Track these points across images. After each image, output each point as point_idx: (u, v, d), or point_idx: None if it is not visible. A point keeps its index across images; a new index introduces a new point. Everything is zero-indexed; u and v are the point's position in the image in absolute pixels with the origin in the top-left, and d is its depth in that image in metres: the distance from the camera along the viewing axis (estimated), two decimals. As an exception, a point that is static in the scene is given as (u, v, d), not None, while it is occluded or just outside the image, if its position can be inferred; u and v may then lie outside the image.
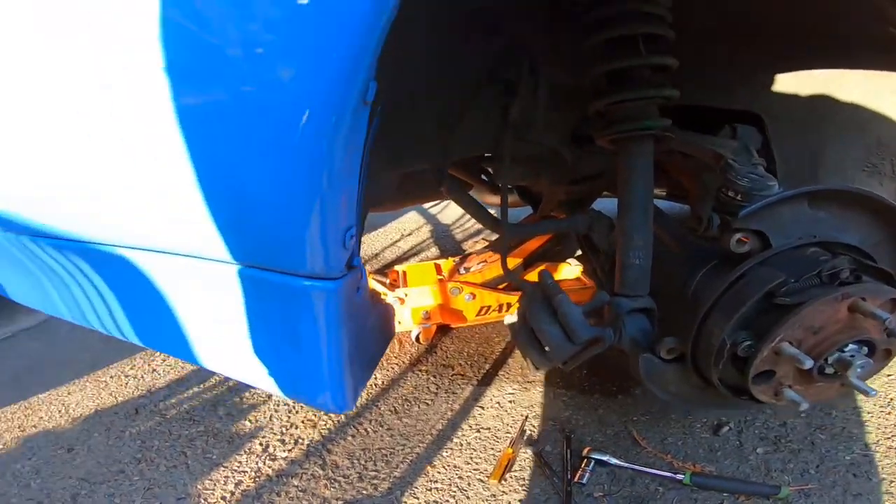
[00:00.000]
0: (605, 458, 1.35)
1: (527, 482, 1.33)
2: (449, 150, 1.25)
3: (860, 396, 1.44)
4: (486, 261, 2.09)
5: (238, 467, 1.49)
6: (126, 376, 2.04)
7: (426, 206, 4.04)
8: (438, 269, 2.11)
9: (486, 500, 1.29)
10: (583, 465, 1.34)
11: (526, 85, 1.14)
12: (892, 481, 1.17)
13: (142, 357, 2.13)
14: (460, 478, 1.37)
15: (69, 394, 1.94)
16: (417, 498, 1.32)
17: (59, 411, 1.82)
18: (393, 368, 1.92)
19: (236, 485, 1.42)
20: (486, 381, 1.79)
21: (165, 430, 1.68)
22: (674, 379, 1.11)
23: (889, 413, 1.38)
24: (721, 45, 1.12)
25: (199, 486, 1.43)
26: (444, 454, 1.46)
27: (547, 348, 1.04)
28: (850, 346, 0.97)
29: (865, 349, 0.99)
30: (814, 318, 0.94)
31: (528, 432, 1.51)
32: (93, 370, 2.10)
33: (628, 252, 1.03)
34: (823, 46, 1.07)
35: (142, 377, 2.04)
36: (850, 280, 0.96)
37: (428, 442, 1.52)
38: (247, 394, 1.83)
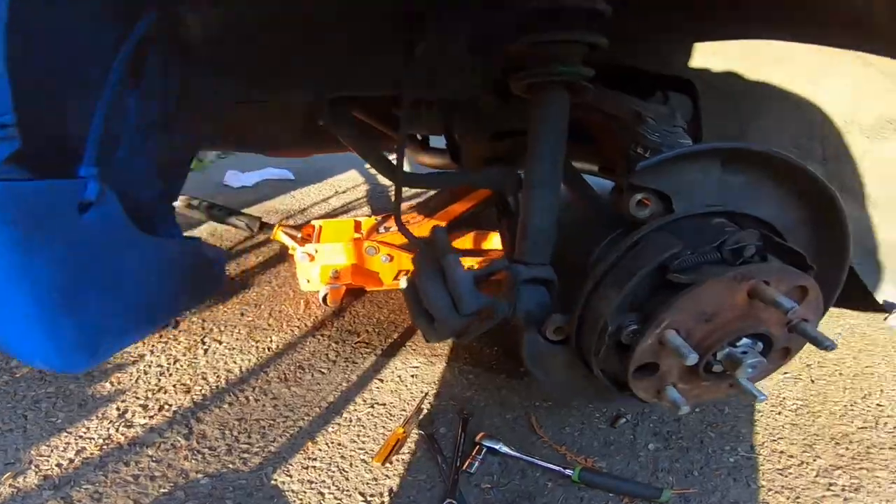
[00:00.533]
0: (497, 446, 1.26)
1: (413, 466, 1.22)
2: (337, 84, 1.05)
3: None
4: (409, 221, 1.93)
5: (84, 433, 1.29)
6: None
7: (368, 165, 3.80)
8: (357, 226, 1.93)
9: (366, 482, 1.17)
10: (474, 452, 1.25)
11: (439, 20, 0.96)
12: (770, 489, 1.15)
13: None
14: (342, 457, 1.24)
15: None
16: (290, 476, 1.19)
17: None
18: (292, 331, 1.75)
19: (77, 452, 1.22)
20: (391, 351, 1.66)
21: (11, 390, 1.44)
22: (559, 364, 0.97)
23: (779, 413, 1.37)
24: (658, 10, 0.99)
25: (32, 452, 1.22)
26: (330, 429, 1.33)
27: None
28: (744, 341, 0.82)
29: (760, 345, 0.84)
30: (706, 302, 0.78)
31: (425, 410, 1.40)
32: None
33: (531, 212, 0.89)
34: (765, 16, 0.96)
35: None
36: (755, 259, 0.81)
37: (314, 415, 1.37)
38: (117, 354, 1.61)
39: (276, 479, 1.17)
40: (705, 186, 0.84)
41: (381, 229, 1.91)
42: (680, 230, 0.84)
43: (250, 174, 3.73)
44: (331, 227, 1.92)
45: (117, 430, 1.30)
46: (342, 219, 2.19)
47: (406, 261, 1.79)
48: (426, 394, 1.46)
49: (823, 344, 0.79)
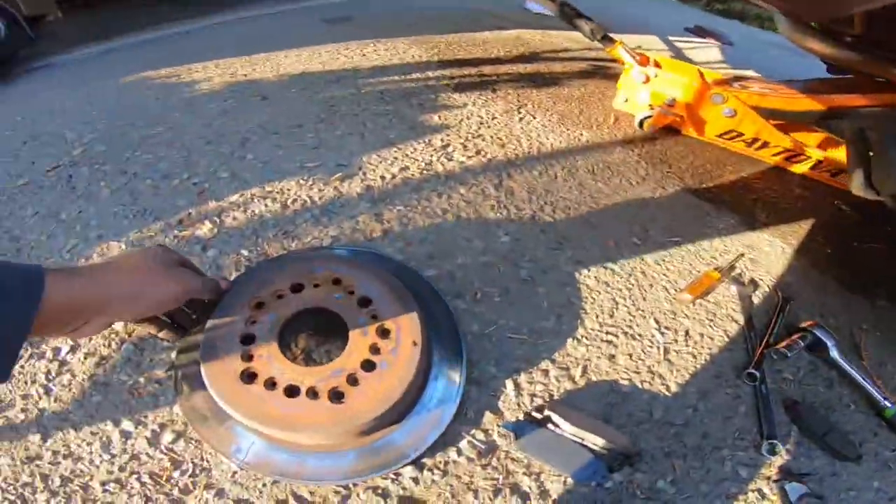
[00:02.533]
0: (829, 342, 1.00)
1: (717, 319, 1.05)
2: None
3: None
4: (773, 88, 1.54)
5: (410, 153, 1.40)
6: (339, 53, 2.01)
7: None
8: (701, 74, 1.61)
9: (664, 312, 1.05)
10: (795, 336, 1.01)
11: None
12: None
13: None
14: (643, 274, 1.14)
15: (285, 56, 1.95)
16: (588, 270, 1.13)
17: (271, 68, 1.86)
18: (602, 135, 1.60)
19: (402, 169, 1.34)
20: (705, 195, 1.41)
21: (356, 100, 1.63)
22: None
23: None
24: None
25: (364, 158, 1.37)
26: (634, 240, 1.21)
27: None
28: None
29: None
30: None
31: (739, 271, 1.18)
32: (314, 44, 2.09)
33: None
34: None
35: (352, 56, 1.99)
36: None
37: (619, 218, 1.27)
38: (443, 95, 1.68)
39: (573, 268, 1.12)
40: None
41: (736, 84, 1.58)
42: None
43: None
44: (671, 63, 1.67)
45: (438, 159, 1.39)
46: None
47: (749, 123, 1.54)
48: (742, 254, 1.22)
49: None
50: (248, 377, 0.74)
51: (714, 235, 1.27)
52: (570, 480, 0.79)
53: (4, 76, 1.84)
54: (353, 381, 0.75)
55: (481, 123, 1.54)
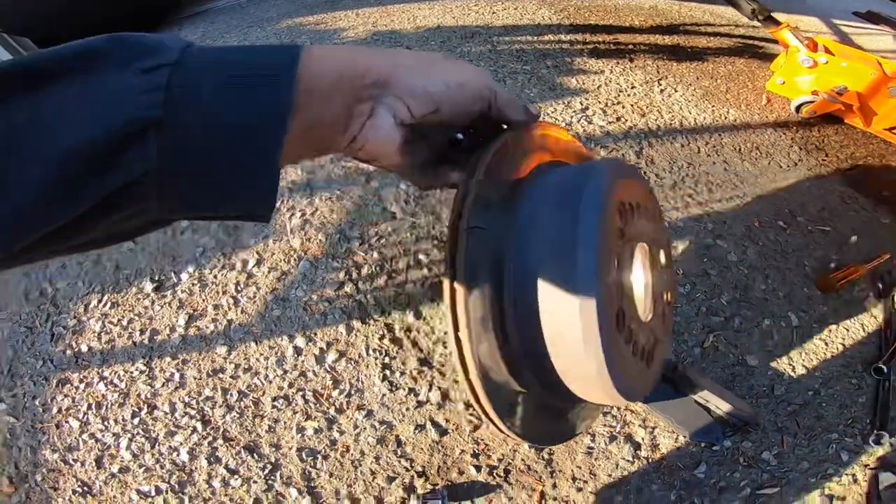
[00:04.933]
0: None
1: (853, 312, 1.01)
2: None
3: None
4: None
5: (551, 113, 1.41)
6: (469, 9, 2.02)
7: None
8: (880, 65, 1.46)
9: (801, 299, 1.01)
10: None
11: None
12: None
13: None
14: (782, 255, 1.09)
15: (419, 9, 2.00)
16: (732, 236, 1.09)
17: (408, 19, 1.91)
18: (751, 115, 1.51)
19: None
20: (859, 189, 1.30)
21: (493, 58, 1.65)
22: None
23: None
24: None
25: None
26: (779, 222, 1.16)
27: None
28: None
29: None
30: None
31: (885, 270, 1.09)
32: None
33: None
34: None
35: (483, 13, 2.00)
36: None
37: (764, 199, 1.21)
38: (578, 59, 1.66)
39: (712, 240, 1.09)
40: None
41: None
42: None
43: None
44: (845, 50, 1.55)
45: (578, 121, 1.38)
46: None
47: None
48: (889, 256, 1.13)
49: None
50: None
51: (865, 232, 1.17)
52: (681, 438, 0.82)
53: (168, 23, 2.06)
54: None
55: (620, 91, 1.50)
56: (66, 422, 0.81)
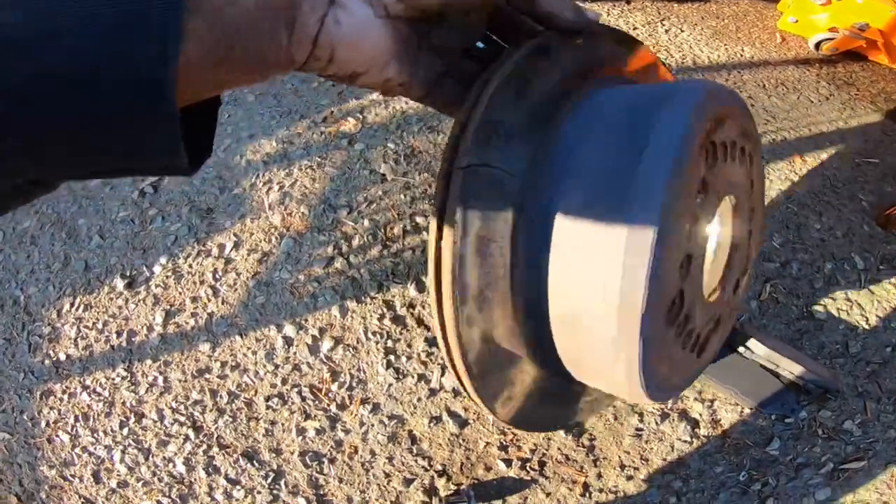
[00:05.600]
0: None
1: None
2: None
3: None
4: None
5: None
6: None
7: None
8: None
9: (863, 236, 0.90)
10: None
11: None
12: None
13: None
14: (835, 192, 0.99)
15: None
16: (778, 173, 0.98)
17: None
18: (768, 53, 1.40)
19: None
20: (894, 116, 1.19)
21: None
22: None
23: None
24: None
25: None
26: (820, 156, 1.05)
27: None
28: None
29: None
30: None
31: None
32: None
33: None
34: None
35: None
36: None
37: (799, 133, 1.11)
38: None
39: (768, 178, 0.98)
40: None
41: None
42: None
43: None
44: None
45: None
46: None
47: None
48: None
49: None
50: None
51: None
52: (746, 410, 0.70)
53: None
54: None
55: (625, 36, 1.40)
56: (57, 436, 0.74)
